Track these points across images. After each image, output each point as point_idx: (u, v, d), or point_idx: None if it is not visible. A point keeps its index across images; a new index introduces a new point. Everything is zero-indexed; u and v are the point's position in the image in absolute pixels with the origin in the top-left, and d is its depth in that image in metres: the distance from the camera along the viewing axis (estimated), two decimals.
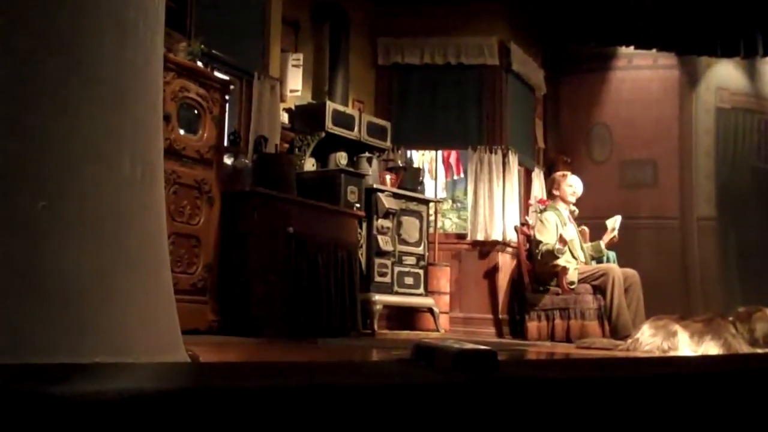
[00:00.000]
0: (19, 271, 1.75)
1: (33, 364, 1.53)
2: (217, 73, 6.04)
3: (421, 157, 10.48)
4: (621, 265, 7.78)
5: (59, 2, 1.88)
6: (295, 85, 7.33)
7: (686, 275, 9.70)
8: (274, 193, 5.89)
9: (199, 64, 5.55)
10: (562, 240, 7.54)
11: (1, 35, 1.82)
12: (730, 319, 5.09)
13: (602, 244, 7.93)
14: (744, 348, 4.82)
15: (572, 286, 7.49)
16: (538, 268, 7.80)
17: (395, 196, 7.43)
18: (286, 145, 7.11)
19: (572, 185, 8.03)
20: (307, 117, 7.26)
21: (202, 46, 5.61)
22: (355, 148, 7.48)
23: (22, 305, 1.73)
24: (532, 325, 7.67)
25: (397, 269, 7.38)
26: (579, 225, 8.08)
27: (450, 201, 11.53)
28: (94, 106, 1.90)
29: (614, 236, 7.90)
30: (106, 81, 1.93)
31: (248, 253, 5.59)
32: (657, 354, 4.98)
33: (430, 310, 7.66)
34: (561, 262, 7.58)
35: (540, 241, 7.68)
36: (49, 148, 1.83)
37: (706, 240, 9.83)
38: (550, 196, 8.29)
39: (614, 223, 7.91)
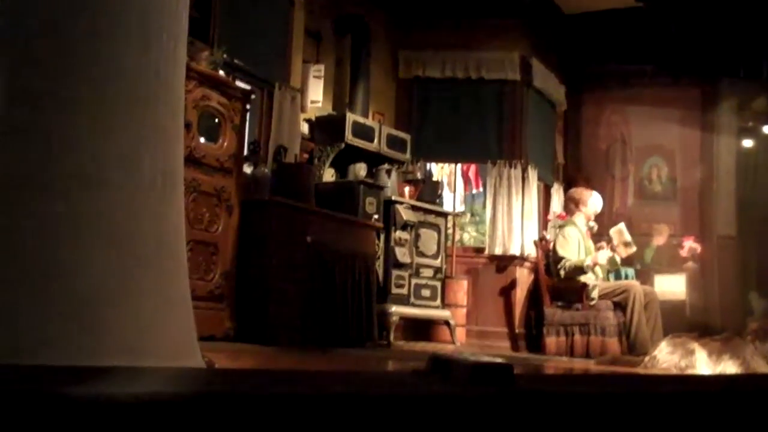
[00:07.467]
0: (39, 273, 1.76)
1: (50, 365, 1.54)
2: (238, 83, 6.07)
3: (440, 170, 10.47)
4: (639, 282, 7.75)
5: (83, 10, 1.90)
6: (316, 96, 7.34)
7: (705, 293, 9.62)
8: (292, 202, 5.90)
9: (221, 73, 5.57)
10: (594, 262, 7.57)
11: (27, 42, 1.84)
12: (749, 338, 5.04)
13: (617, 257, 7.81)
14: (763, 368, 4.77)
15: (592, 302, 7.45)
16: (559, 284, 7.76)
17: (414, 208, 7.42)
18: (306, 156, 7.12)
19: (596, 204, 8.00)
20: (327, 128, 7.26)
21: (225, 55, 5.64)
22: (374, 160, 7.48)
23: (42, 307, 1.74)
24: (551, 341, 7.61)
25: (414, 281, 7.37)
26: (597, 242, 8.02)
27: (468, 214, 11.50)
28: (115, 112, 1.92)
29: (630, 248, 7.79)
30: (128, 87, 1.95)
31: (266, 261, 5.60)
32: (674, 372, 4.94)
33: (447, 323, 7.64)
34: (581, 277, 7.57)
35: (562, 257, 7.64)
36: (71, 152, 1.84)
37: (726, 258, 9.75)
38: (568, 210, 8.24)
39: (622, 235, 7.75)
